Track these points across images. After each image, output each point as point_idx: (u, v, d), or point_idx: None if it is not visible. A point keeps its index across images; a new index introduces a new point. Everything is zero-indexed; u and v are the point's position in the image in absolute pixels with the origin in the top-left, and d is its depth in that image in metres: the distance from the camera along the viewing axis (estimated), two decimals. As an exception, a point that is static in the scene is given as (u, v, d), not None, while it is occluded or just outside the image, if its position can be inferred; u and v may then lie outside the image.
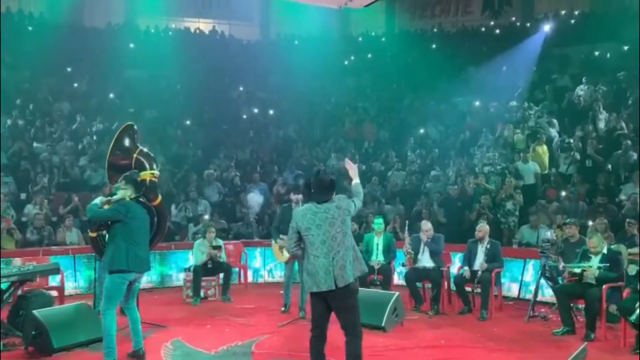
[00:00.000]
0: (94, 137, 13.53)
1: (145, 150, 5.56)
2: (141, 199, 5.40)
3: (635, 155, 10.60)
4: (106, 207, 5.27)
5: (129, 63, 16.98)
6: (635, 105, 12.42)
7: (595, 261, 6.52)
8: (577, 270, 6.44)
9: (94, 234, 5.49)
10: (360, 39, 21.15)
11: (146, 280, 9.44)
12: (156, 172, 5.48)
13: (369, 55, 19.66)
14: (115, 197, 5.31)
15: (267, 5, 21.33)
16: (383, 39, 20.83)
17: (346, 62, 19.58)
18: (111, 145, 5.54)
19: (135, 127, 5.69)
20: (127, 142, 5.50)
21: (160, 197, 5.51)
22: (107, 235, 5.37)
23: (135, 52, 17.63)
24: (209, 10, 22.04)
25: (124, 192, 5.27)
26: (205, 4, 22.04)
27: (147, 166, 5.43)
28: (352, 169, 4.80)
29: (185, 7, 21.91)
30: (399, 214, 10.79)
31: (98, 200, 5.30)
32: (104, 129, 13.77)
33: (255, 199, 11.52)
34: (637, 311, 5.65)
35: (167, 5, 20.86)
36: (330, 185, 4.48)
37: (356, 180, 4.75)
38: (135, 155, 5.43)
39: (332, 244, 4.35)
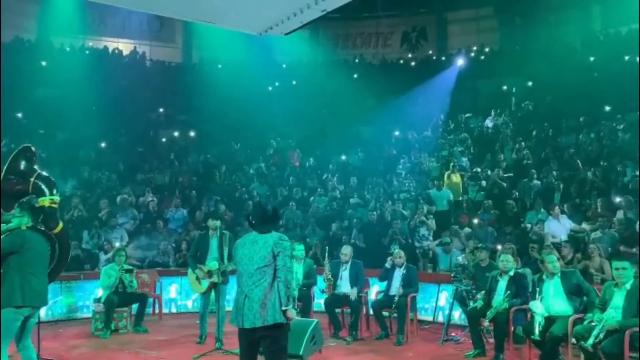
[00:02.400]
0: (-2, 159, 12.65)
1: (44, 174, 5.17)
2: (40, 227, 5.03)
3: (539, 184, 11.35)
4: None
5: (40, 81, 16.15)
6: (538, 137, 13.36)
7: (502, 286, 6.84)
8: (492, 313, 6.65)
9: None
10: (284, 65, 21.38)
11: (51, 313, 8.86)
12: (56, 198, 5.09)
13: (294, 82, 19.90)
14: (11, 226, 4.93)
15: (189, 28, 21.11)
16: (307, 67, 21.17)
17: (270, 88, 19.68)
18: (4, 170, 5.10)
19: (34, 149, 5.29)
20: (23, 165, 5.09)
21: (61, 225, 5.13)
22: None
23: (47, 70, 16.82)
24: (129, 30, 21.49)
25: (20, 221, 4.90)
26: (125, 24, 21.48)
27: (47, 191, 5.05)
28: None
29: (103, 26, 21.25)
30: (320, 240, 10.85)
31: None
32: (9, 151, 12.89)
33: None
34: (536, 331, 5.99)
35: (84, 24, 20.12)
36: (272, 216, 4.34)
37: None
38: (32, 180, 5.03)
39: (248, 280, 4.13)
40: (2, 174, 5.09)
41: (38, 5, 19.17)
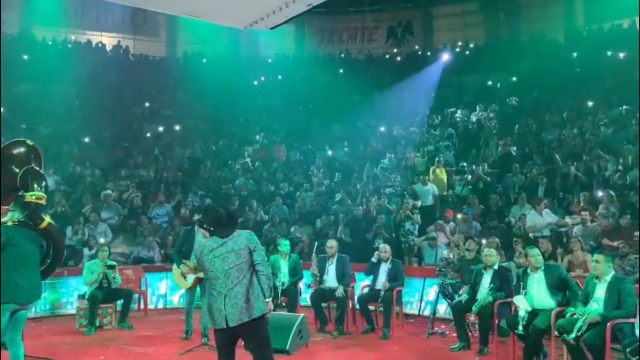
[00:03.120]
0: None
1: (35, 169, 5.08)
2: (23, 221, 4.97)
3: (523, 178, 11.46)
4: None
5: (22, 75, 15.90)
6: (522, 132, 13.47)
7: (487, 279, 6.90)
8: (477, 306, 6.70)
9: None
10: (270, 60, 21.30)
11: (34, 310, 8.75)
12: (40, 194, 4.99)
13: (279, 77, 19.83)
14: (3, 220, 4.92)
15: (174, 22, 20.93)
16: (293, 62, 21.11)
17: (256, 83, 19.60)
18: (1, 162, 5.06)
19: (31, 143, 5.21)
20: (12, 158, 5.03)
21: (47, 221, 5.07)
22: None
23: (29, 64, 16.56)
24: (111, 24, 21.23)
25: (12, 215, 4.89)
26: (108, 18, 21.22)
27: (33, 187, 4.99)
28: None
29: (87, 20, 20.99)
30: (307, 235, 10.86)
31: None
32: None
33: None
34: (520, 326, 6.05)
35: (67, 17, 19.86)
36: (229, 220, 4.31)
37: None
38: (20, 174, 4.97)
39: (226, 280, 4.15)
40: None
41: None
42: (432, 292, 8.72)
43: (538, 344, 6.05)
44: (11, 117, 14.67)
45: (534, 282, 6.27)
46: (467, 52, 19.74)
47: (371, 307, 7.93)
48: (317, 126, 16.88)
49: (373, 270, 8.10)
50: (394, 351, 6.92)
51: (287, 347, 6.46)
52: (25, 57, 16.98)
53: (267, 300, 4.24)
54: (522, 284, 6.31)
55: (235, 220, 4.41)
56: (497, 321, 6.67)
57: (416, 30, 22.32)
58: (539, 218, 9.51)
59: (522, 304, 6.13)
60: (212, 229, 4.30)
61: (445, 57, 18.07)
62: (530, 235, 9.11)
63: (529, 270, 6.38)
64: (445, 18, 21.88)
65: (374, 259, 8.15)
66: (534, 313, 6.09)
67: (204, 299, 4.40)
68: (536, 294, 6.22)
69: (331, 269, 8.05)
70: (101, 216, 11.05)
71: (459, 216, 10.58)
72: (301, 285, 8.45)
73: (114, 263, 8.49)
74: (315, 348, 6.93)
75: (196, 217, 7.35)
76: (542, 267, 6.30)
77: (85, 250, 10.13)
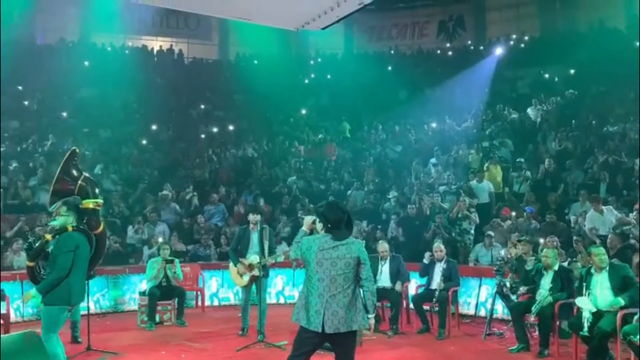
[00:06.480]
0: (45, 157, 13.09)
1: (88, 176, 5.40)
2: (82, 227, 5.19)
3: (582, 175, 11.00)
4: (48, 237, 5.08)
5: (83, 81, 16.65)
6: (579, 127, 12.93)
7: (547, 280, 6.68)
8: (537, 307, 6.51)
9: (31, 264, 5.22)
10: (319, 59, 21.38)
11: (99, 306, 9.16)
12: (100, 201, 5.29)
13: (328, 76, 19.88)
14: (55, 224, 5.12)
15: (226, 25, 21.35)
16: (342, 60, 21.10)
17: (306, 81, 19.72)
18: (59, 170, 5.35)
19: (78, 151, 5.55)
20: (74, 167, 5.33)
21: (102, 226, 5.32)
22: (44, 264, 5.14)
23: (90, 70, 17.31)
24: (166, 28, 21.90)
25: (65, 220, 5.05)
26: (162, 23, 21.89)
27: (91, 194, 5.25)
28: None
29: (142, 25, 21.70)
30: (361, 234, 10.82)
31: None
32: (56, 149, 13.38)
33: None
34: (585, 327, 5.82)
35: (123, 23, 20.60)
36: (348, 223, 4.13)
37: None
38: (79, 182, 5.25)
39: (330, 285, 4.01)
40: (57, 173, 5.31)
41: (80, 7, 19.70)
42: (488, 292, 8.52)
43: (603, 347, 5.81)
44: (74, 122, 15.38)
45: (598, 282, 6.02)
46: (522, 45, 19.15)
47: (426, 307, 7.83)
48: (367, 124, 16.82)
49: (427, 271, 8.01)
50: (450, 351, 6.81)
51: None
52: (86, 63, 17.73)
53: (369, 316, 4.15)
54: (585, 284, 6.08)
55: (352, 226, 4.22)
56: (558, 322, 6.45)
57: (468, 24, 21.84)
58: (599, 217, 9.09)
59: (585, 306, 5.90)
60: (329, 226, 4.10)
61: (499, 50, 17.60)
62: (595, 234, 8.71)
63: (592, 270, 6.13)
64: (498, 10, 21.28)
65: (425, 260, 8.04)
66: (598, 315, 5.86)
67: (302, 295, 4.26)
68: (600, 295, 5.98)
69: (385, 269, 8.00)
70: (161, 216, 11.41)
71: (513, 214, 10.27)
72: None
73: (172, 258, 8.75)
74: (370, 347, 6.90)
75: (251, 216, 7.46)
76: (607, 267, 6.04)
77: (145, 249, 10.49)
